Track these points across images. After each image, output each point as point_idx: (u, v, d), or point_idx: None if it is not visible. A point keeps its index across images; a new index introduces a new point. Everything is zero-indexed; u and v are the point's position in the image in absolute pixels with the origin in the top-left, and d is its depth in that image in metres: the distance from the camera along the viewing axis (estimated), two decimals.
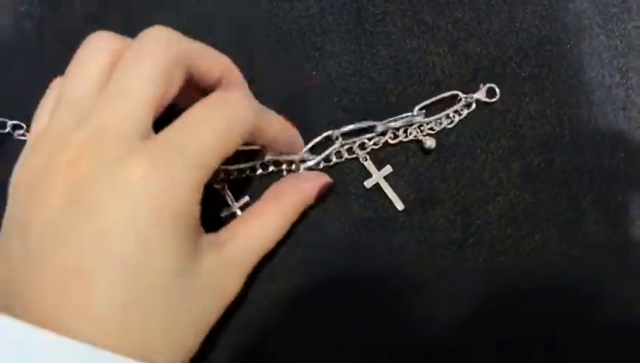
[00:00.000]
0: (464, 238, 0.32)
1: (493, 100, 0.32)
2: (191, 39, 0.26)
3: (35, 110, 0.30)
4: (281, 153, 0.30)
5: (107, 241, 0.22)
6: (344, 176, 0.32)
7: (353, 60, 0.32)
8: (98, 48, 0.25)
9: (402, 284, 0.32)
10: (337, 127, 0.31)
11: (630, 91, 0.33)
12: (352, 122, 0.31)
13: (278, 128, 0.28)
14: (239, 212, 0.31)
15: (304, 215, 0.31)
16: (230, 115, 0.24)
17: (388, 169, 0.32)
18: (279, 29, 0.32)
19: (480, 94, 0.32)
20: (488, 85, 0.32)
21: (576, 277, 0.32)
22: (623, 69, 0.33)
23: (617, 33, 0.33)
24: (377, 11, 0.32)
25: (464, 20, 0.32)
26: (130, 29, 0.31)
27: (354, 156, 0.32)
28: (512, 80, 0.32)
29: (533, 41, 0.33)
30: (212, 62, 0.27)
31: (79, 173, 0.22)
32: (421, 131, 0.32)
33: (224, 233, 0.27)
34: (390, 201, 0.32)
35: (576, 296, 0.32)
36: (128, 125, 0.23)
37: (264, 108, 0.27)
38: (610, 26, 0.33)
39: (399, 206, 0.31)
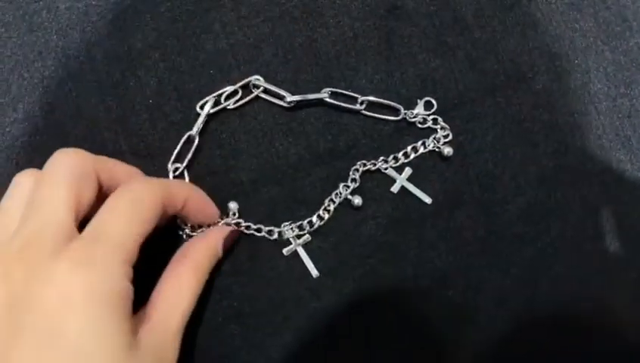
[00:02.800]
0: (487, 236, 0.35)
1: (431, 111, 0.35)
2: (96, 156, 0.30)
3: (103, 131, 0.35)
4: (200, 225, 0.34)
5: (50, 333, 0.24)
6: (375, 186, 0.35)
7: (384, 78, 0.36)
8: (18, 182, 0.30)
9: (432, 279, 0.35)
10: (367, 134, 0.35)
11: (634, 100, 0.36)
12: (383, 133, 0.35)
13: (187, 196, 0.31)
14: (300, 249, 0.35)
15: (340, 219, 0.35)
16: (134, 198, 0.28)
17: (408, 171, 0.35)
18: (318, 52, 0.36)
19: (419, 109, 0.35)
20: (425, 99, 0.35)
21: (590, 268, 0.35)
22: (627, 81, 0.36)
23: (620, 49, 0.36)
24: (404, 34, 0.36)
25: (482, 41, 0.36)
26: (183, 54, 0.35)
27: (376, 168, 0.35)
28: (527, 93, 0.36)
29: (545, 57, 0.36)
30: (117, 170, 0.31)
31: (15, 281, 0.25)
32: (438, 142, 0.35)
33: (147, 307, 0.29)
34: (418, 203, 0.35)
35: (589, 285, 0.35)
36: (51, 229, 0.26)
37: (172, 182, 0.32)
38: (614, 43, 0.36)
39: (428, 200, 0.35)
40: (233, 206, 0.34)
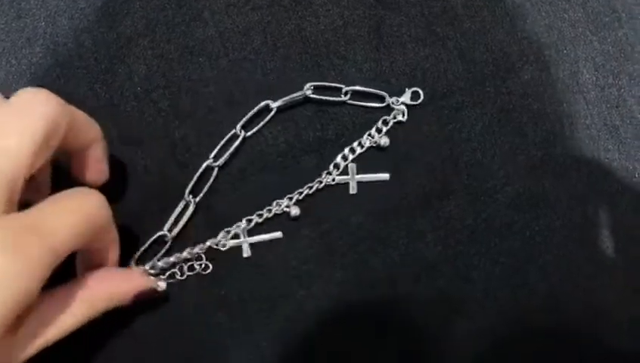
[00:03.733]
0: (475, 225, 0.35)
1: (418, 102, 0.35)
2: (70, 108, 0.27)
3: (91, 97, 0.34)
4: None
5: None
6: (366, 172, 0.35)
7: (373, 67, 0.35)
8: None
9: (420, 268, 0.35)
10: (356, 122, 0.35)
11: (622, 90, 0.36)
12: (373, 123, 0.35)
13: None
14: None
15: (329, 207, 0.35)
16: (89, 213, 0.26)
17: (353, 167, 0.35)
18: (307, 40, 0.36)
19: (405, 98, 0.35)
20: (412, 89, 0.35)
21: (578, 257, 0.35)
22: (615, 71, 0.36)
23: (609, 40, 0.36)
24: (394, 23, 0.36)
25: (471, 30, 0.36)
26: (172, 41, 0.35)
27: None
28: (515, 83, 0.36)
29: (534, 47, 0.36)
30: (87, 128, 0.29)
31: None
32: (372, 137, 0.35)
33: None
34: (407, 192, 0.35)
35: (577, 274, 0.35)
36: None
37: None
38: (603, 34, 0.36)
39: (386, 176, 0.35)
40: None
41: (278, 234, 0.34)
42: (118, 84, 0.35)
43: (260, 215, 0.34)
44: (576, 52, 0.36)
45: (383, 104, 0.35)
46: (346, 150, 0.35)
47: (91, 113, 0.34)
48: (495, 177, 0.35)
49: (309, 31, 0.36)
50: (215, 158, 0.34)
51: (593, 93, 0.36)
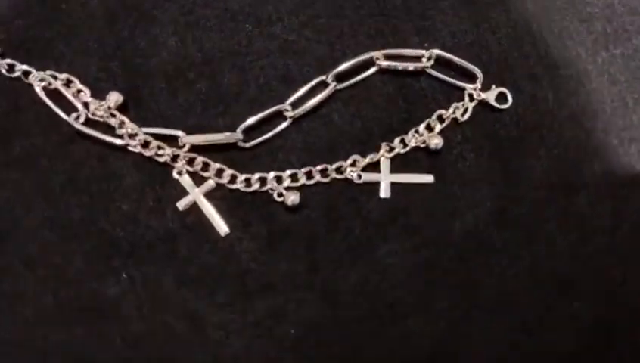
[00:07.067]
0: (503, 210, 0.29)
1: (505, 106, 0.29)
2: None
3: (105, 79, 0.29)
4: None
5: None
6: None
7: (468, 28, 0.30)
8: None
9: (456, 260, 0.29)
10: None
11: None
12: None
13: None
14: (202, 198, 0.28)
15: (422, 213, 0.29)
16: None
17: (385, 162, 0.28)
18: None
19: (490, 95, 0.29)
20: (499, 89, 0.29)
21: (622, 256, 0.29)
22: None
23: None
24: None
25: None
26: (210, 4, 0.30)
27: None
28: (552, 84, 0.30)
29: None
30: None
31: None
32: (420, 135, 0.29)
33: None
34: (460, 193, 0.29)
35: (623, 271, 0.29)
36: None
37: None
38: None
39: (430, 179, 0.29)
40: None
41: (225, 228, 0.28)
42: (141, 60, 0.29)
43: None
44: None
45: (473, 86, 0.29)
46: (383, 148, 0.28)
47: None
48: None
49: None
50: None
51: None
